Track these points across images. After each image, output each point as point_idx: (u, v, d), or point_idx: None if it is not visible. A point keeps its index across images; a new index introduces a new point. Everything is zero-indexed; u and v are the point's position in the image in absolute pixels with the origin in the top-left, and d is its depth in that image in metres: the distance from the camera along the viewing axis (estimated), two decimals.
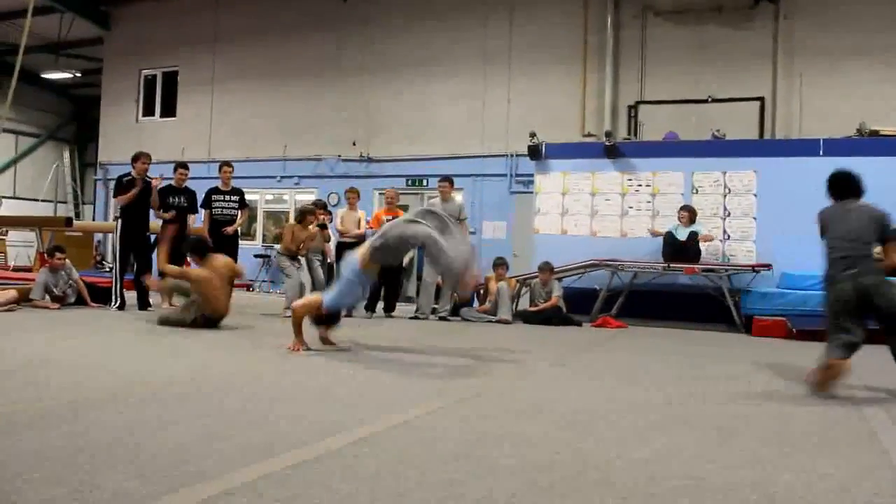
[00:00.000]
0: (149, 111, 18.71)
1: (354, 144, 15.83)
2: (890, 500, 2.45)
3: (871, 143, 10.90)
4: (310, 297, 6.41)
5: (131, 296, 9.39)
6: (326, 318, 6.05)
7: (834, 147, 10.78)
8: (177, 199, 9.91)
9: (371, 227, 10.21)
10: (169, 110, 18.35)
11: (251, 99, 17.04)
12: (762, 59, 13.01)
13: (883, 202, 10.24)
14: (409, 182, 15.00)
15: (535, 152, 12.05)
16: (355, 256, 6.03)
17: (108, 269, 11.67)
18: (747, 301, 9.84)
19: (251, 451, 2.77)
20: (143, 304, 9.29)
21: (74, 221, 15.22)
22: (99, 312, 8.93)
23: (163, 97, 18.53)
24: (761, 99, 12.96)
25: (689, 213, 10.59)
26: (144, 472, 2.46)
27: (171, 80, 18.38)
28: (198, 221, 10.29)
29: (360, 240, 10.21)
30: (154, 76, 18.66)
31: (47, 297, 9.18)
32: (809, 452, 3.09)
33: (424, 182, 14.50)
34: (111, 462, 2.56)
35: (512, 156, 14.22)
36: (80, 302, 9.47)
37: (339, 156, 15.97)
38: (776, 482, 2.61)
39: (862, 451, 3.15)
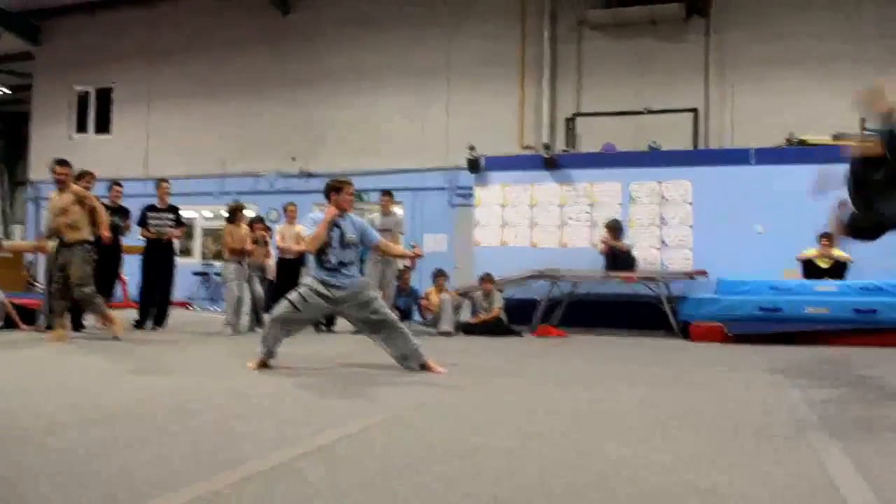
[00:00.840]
0: (82, 128, 18.29)
1: (294, 160, 15.72)
2: (820, 496, 2.51)
3: (799, 151, 11.25)
4: None
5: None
6: None
7: (764, 156, 11.12)
8: (112, 218, 9.68)
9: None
10: (103, 127, 17.97)
11: (189, 115, 16.79)
12: (695, 72, 13.34)
13: (809, 209, 10.60)
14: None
15: (474, 165, 12.13)
16: None
17: (40, 290, 11.32)
18: (684, 307, 10.03)
19: (194, 469, 2.71)
20: (77, 325, 9.04)
21: (3, 242, 14.77)
22: (30, 335, 8.66)
23: (97, 113, 18.12)
24: (695, 110, 13.27)
25: (612, 232, 10.76)
26: (80, 499, 2.38)
27: (105, 96, 18.00)
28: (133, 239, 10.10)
29: (301, 256, 10.17)
30: (87, 92, 18.25)
31: None
32: (749, 453, 3.15)
33: (365, 197, 14.47)
34: (47, 491, 2.47)
35: (452, 169, 14.28)
36: (10, 325, 9.17)
37: (279, 171, 15.83)
38: (715, 482, 2.65)
39: (796, 452, 3.23)
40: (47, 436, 3.22)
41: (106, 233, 8.21)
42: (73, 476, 2.58)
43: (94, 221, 8.09)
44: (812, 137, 11.50)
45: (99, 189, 10.15)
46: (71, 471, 2.65)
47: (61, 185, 7.85)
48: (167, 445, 3.08)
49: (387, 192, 10.26)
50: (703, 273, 10.35)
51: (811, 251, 10.08)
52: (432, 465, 2.80)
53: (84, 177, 9.18)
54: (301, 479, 2.58)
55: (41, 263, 12.22)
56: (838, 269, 9.87)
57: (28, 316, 9.36)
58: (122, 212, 9.84)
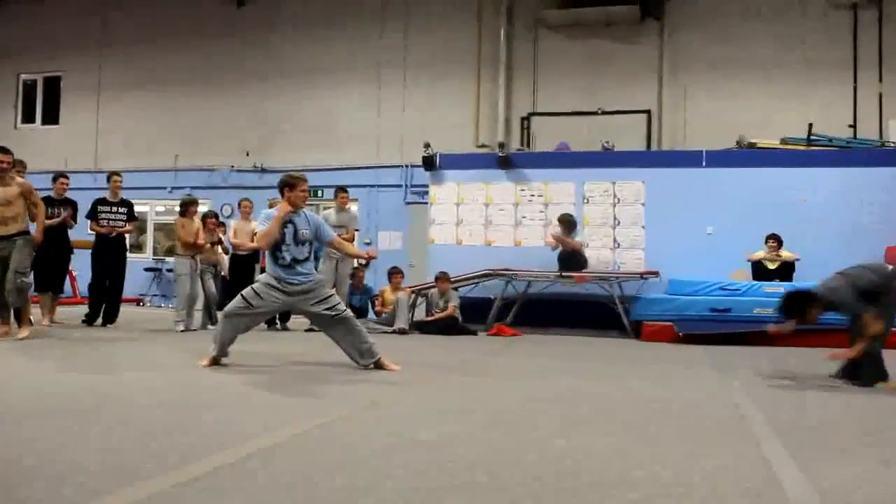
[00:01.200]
0: (29, 118, 17.83)
1: (248, 155, 15.56)
2: (761, 490, 2.58)
3: (748, 154, 11.49)
4: None
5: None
6: None
7: (715, 158, 11.33)
8: (56, 211, 9.49)
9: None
10: (52, 117, 17.54)
11: (141, 106, 16.47)
12: (649, 73, 13.51)
13: (758, 210, 10.83)
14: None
15: (429, 163, 12.14)
16: None
17: None
18: (637, 307, 10.16)
19: (146, 466, 2.68)
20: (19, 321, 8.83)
21: None
22: None
23: (44, 103, 17.68)
24: (648, 112, 13.45)
25: (564, 225, 10.81)
26: (20, 495, 2.34)
27: (53, 86, 17.57)
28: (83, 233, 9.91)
29: (254, 253, 10.07)
30: (34, 81, 17.81)
31: None
32: (690, 448, 3.21)
33: (320, 193, 14.36)
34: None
35: (407, 166, 14.27)
36: None
37: (233, 166, 15.67)
38: (658, 474, 2.70)
39: (736, 443, 3.30)
40: None
41: (40, 237, 7.98)
42: (15, 472, 2.53)
43: (32, 217, 7.87)
44: (762, 141, 11.75)
45: (44, 181, 9.95)
46: (11, 467, 2.60)
47: (2, 174, 7.60)
48: (113, 442, 3.04)
49: (342, 189, 10.21)
50: (655, 273, 10.49)
51: (759, 253, 10.29)
52: (392, 457, 2.80)
53: (14, 166, 8.95)
54: (249, 478, 2.57)
55: None
56: (786, 270, 10.08)
57: None
58: (68, 204, 9.63)
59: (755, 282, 9.91)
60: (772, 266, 10.16)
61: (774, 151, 11.52)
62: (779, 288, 9.58)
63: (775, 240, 10.21)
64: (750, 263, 10.35)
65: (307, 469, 2.72)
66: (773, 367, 6.85)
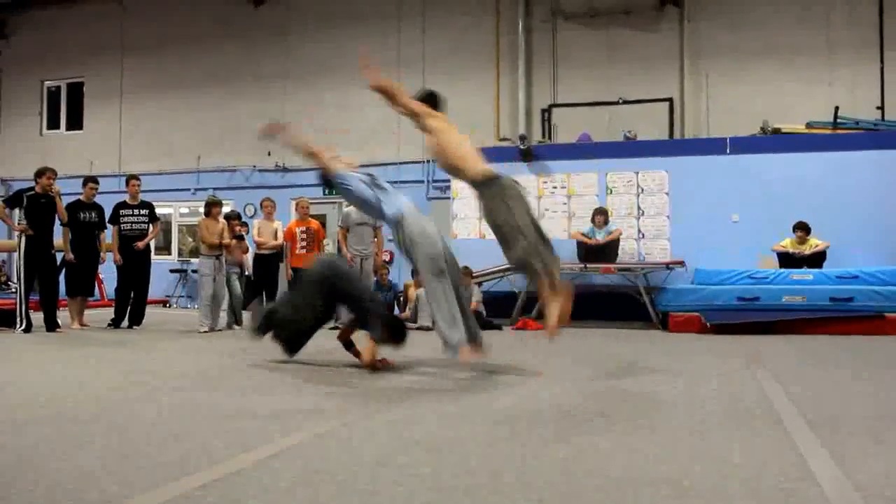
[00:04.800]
0: (53, 124, 18.03)
1: (269, 154, 15.60)
2: (795, 485, 2.52)
3: (773, 140, 11.33)
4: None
5: (38, 317, 9.01)
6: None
7: (739, 145, 11.18)
8: (87, 215, 9.61)
9: (286, 241, 10.08)
10: (75, 123, 17.72)
11: (162, 109, 16.60)
12: (670, 61, 13.37)
13: (785, 196, 10.69)
14: (326, 192, 14.86)
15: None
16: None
17: (13, 291, 11.19)
18: (663, 298, 10.06)
19: (161, 471, 2.68)
20: (51, 325, 8.94)
21: None
22: (2, 336, 8.54)
23: (68, 109, 17.87)
24: (670, 100, 13.30)
25: (603, 217, 10.80)
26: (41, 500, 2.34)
27: (76, 92, 17.75)
28: (107, 237, 10.00)
29: (278, 251, 10.09)
30: (58, 87, 18.00)
31: None
32: (724, 443, 3.15)
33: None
34: (8, 490, 2.43)
35: (428, 161, 14.23)
36: None
37: (255, 166, 15.73)
38: (689, 472, 2.65)
39: (768, 436, 3.24)
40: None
41: None
42: (30, 477, 2.54)
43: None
44: (786, 126, 11.58)
45: (73, 186, 10.07)
46: (29, 470, 2.61)
47: None
48: (127, 446, 3.04)
49: None
50: (681, 263, 10.38)
51: (786, 241, 10.14)
52: (419, 457, 2.78)
53: (44, 173, 9.08)
54: (264, 483, 2.55)
55: (14, 263, 12.04)
56: (816, 258, 9.92)
57: (1, 316, 9.23)
58: (96, 209, 9.75)
59: (783, 269, 9.78)
60: (800, 254, 9.99)
61: (800, 136, 11.34)
62: (808, 275, 9.47)
63: (802, 229, 10.04)
64: (777, 253, 10.21)
65: (329, 469, 2.70)
66: (803, 356, 6.75)
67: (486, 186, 5.39)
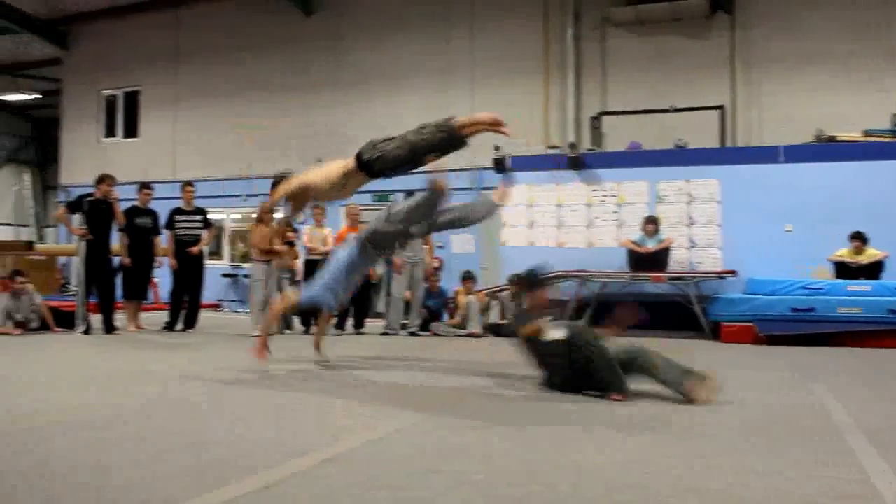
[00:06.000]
0: (111, 132, 18.48)
1: (320, 161, 15.72)
2: (855, 502, 2.48)
3: (829, 148, 11.12)
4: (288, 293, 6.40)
5: (97, 319, 9.24)
6: (305, 311, 6.10)
7: (793, 153, 10.99)
8: (142, 220, 9.83)
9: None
10: (131, 130, 18.14)
11: (215, 117, 16.89)
12: (721, 68, 13.20)
13: (840, 205, 10.49)
14: (375, 198, 14.96)
15: (500, 165, 12.09)
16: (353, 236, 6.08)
17: (72, 293, 11.48)
18: (715, 308, 9.93)
19: (213, 475, 2.73)
20: (109, 327, 9.16)
21: (36, 245, 14.98)
22: (63, 337, 8.78)
23: (125, 117, 18.31)
24: (721, 107, 13.14)
25: (654, 225, 10.72)
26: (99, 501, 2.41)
27: (132, 100, 18.17)
28: (162, 242, 10.21)
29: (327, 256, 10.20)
30: (115, 96, 18.44)
31: (9, 322, 9.01)
32: (788, 456, 3.12)
33: (390, 198, 14.46)
34: (69, 491, 2.50)
35: (477, 169, 14.24)
36: (45, 327, 9.29)
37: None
38: (748, 486, 2.63)
39: (828, 451, 3.19)
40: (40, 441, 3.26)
41: None
42: (96, 482, 2.61)
43: None
44: (842, 134, 11.36)
45: (129, 192, 10.32)
46: (82, 470, 2.68)
47: None
48: (168, 452, 3.10)
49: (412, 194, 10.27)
50: (733, 273, 10.24)
51: (843, 252, 9.93)
52: (470, 465, 2.79)
53: (104, 180, 9.33)
54: (316, 489, 2.59)
55: (74, 266, 12.36)
56: (873, 269, 9.69)
57: (62, 318, 9.48)
58: (151, 214, 9.98)
59: (839, 280, 9.58)
60: (856, 265, 9.77)
61: (857, 144, 11.11)
62: (865, 287, 9.25)
63: (859, 239, 9.82)
64: (832, 263, 10.01)
65: (382, 476, 2.73)
66: (860, 369, 6.61)
67: None
